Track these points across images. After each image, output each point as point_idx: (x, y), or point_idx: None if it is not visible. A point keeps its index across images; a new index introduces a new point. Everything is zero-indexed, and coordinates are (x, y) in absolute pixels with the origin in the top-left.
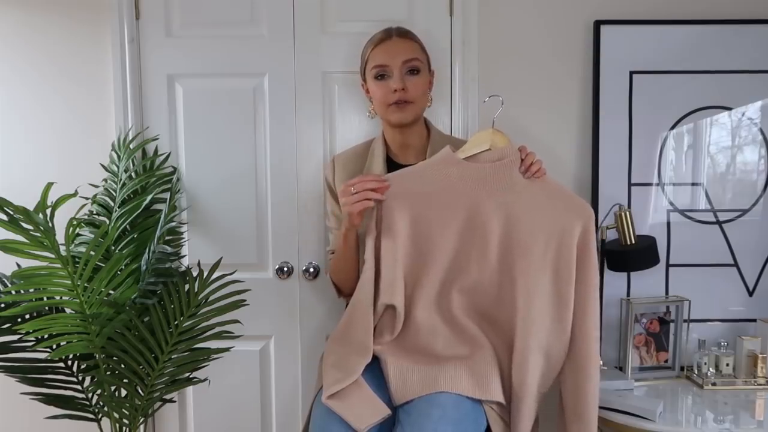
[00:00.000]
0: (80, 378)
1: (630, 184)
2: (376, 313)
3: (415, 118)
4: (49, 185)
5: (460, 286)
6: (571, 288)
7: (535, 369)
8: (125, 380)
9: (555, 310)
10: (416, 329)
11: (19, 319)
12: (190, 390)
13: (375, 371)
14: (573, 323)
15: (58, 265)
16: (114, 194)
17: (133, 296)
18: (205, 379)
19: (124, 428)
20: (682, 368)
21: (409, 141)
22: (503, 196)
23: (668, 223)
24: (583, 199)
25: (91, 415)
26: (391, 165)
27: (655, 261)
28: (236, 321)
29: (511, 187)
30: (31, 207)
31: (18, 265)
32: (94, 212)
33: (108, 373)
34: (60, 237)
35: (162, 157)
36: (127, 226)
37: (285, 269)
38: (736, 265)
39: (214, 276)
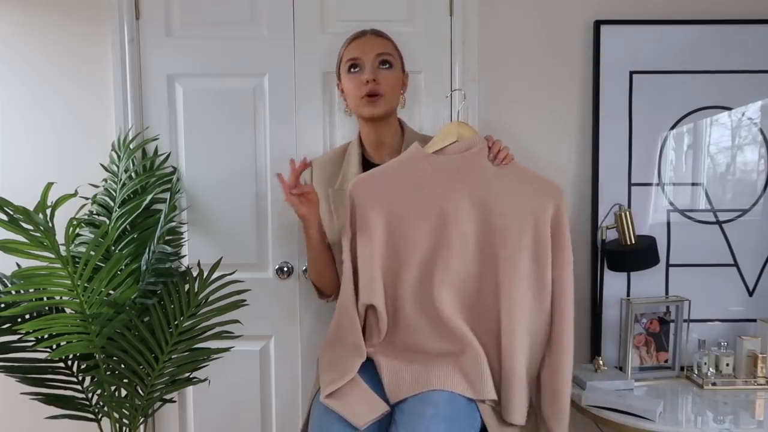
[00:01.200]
0: (80, 378)
1: (630, 184)
2: (360, 315)
3: (386, 113)
4: (49, 185)
5: (441, 280)
6: (549, 268)
7: (522, 350)
8: (125, 380)
9: (536, 291)
10: (404, 327)
11: (19, 319)
12: (190, 390)
13: (370, 370)
14: (551, 302)
15: (58, 265)
16: (114, 194)
17: (133, 296)
18: (205, 379)
19: (124, 428)
20: (682, 368)
21: (384, 139)
22: (475, 185)
23: (668, 223)
24: (552, 180)
25: (91, 415)
26: (367, 165)
27: (655, 261)
28: (236, 321)
29: (483, 176)
30: (31, 207)
31: (18, 265)
32: (94, 212)
33: (108, 373)
34: (60, 237)
35: (162, 157)
36: (127, 226)
37: (285, 269)
38: (736, 265)
39: (214, 276)
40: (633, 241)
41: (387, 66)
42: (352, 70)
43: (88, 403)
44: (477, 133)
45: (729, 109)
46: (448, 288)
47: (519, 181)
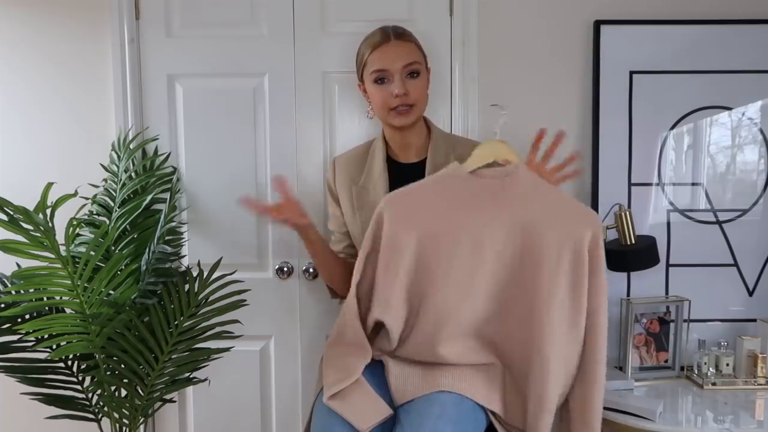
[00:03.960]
0: (80, 378)
1: (630, 184)
2: (367, 327)
3: (416, 121)
4: (49, 185)
5: (471, 303)
6: (585, 296)
7: (556, 379)
8: (125, 380)
9: (571, 318)
10: (418, 343)
11: (19, 319)
12: (190, 390)
13: (375, 372)
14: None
15: (58, 265)
16: (114, 194)
17: (133, 296)
18: (205, 379)
19: (124, 428)
20: (682, 368)
21: (410, 140)
22: (512, 212)
23: (668, 223)
24: (588, 207)
25: (91, 415)
26: (392, 164)
27: (655, 261)
28: (236, 321)
29: (520, 203)
30: (31, 207)
31: (18, 265)
32: (94, 212)
33: (108, 373)
34: (60, 237)
35: (162, 157)
36: (127, 226)
37: (285, 269)
38: (736, 265)
39: (214, 276)
40: (633, 241)
41: (416, 75)
42: (378, 81)
43: (88, 403)
44: (516, 154)
45: (729, 109)
46: (477, 314)
47: (557, 208)
